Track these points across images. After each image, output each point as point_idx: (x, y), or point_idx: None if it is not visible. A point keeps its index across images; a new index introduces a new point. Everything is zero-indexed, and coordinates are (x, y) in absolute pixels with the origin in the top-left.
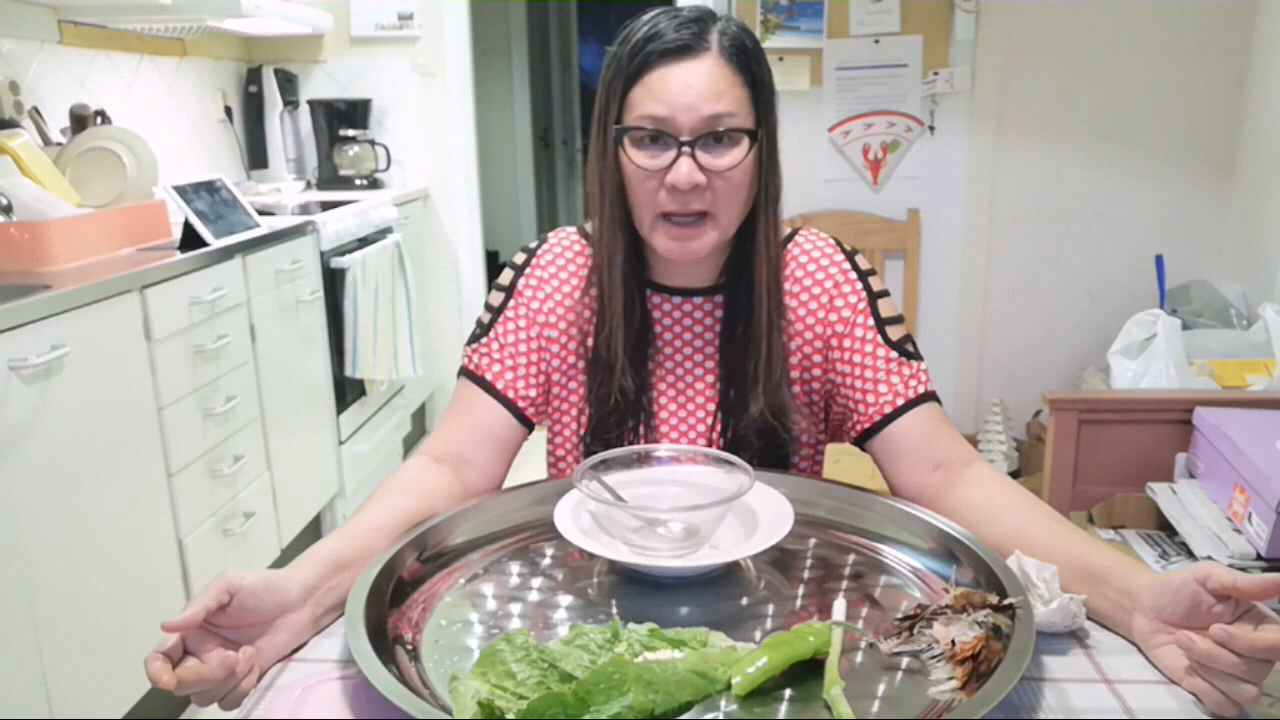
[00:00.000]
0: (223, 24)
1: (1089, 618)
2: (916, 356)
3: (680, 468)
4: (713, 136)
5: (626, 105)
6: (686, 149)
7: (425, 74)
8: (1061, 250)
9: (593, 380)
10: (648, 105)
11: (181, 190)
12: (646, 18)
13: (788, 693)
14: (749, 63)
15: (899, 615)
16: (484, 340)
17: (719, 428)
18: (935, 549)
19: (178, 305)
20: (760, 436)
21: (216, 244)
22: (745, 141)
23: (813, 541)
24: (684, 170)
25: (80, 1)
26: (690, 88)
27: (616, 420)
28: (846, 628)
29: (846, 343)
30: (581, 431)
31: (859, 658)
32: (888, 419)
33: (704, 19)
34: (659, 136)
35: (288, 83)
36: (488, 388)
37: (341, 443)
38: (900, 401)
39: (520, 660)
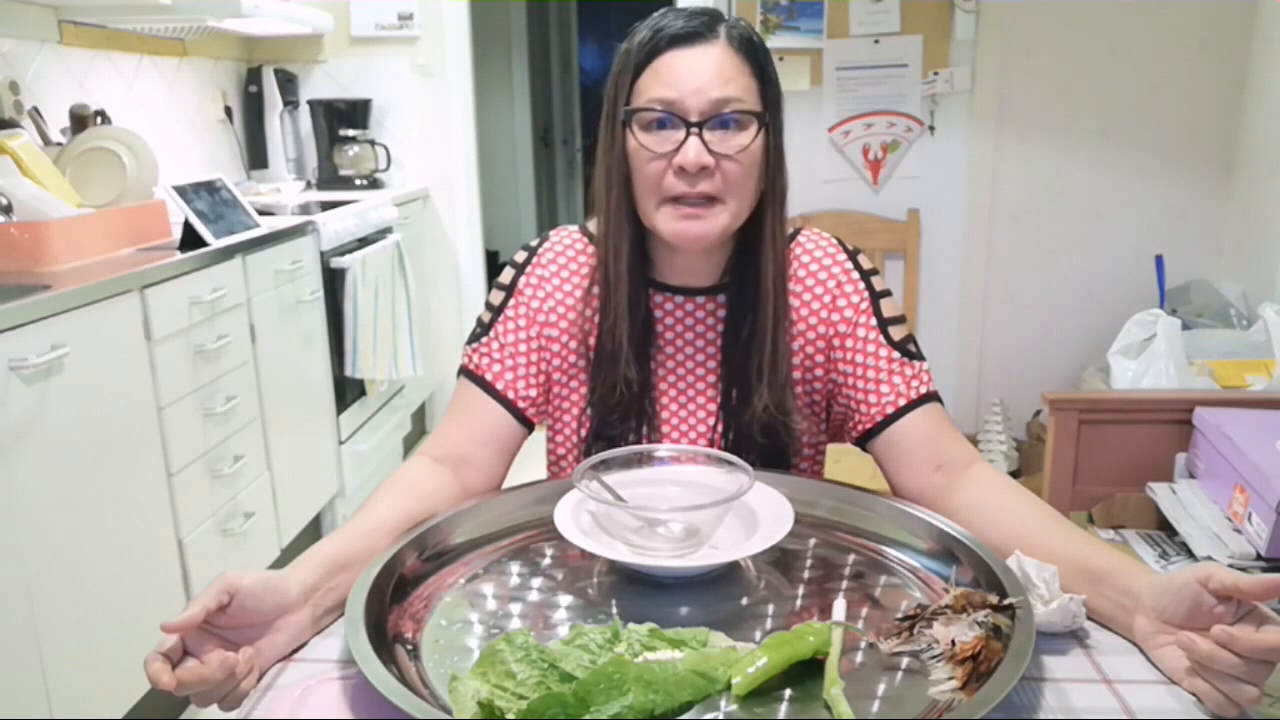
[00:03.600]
0: (223, 24)
1: (1089, 618)
2: (919, 357)
3: (680, 468)
4: (720, 120)
5: (635, 91)
6: (695, 130)
7: (425, 74)
8: (1061, 250)
9: (596, 376)
10: (656, 89)
11: (181, 190)
12: (655, 14)
13: (788, 693)
14: (756, 55)
15: (899, 615)
16: (484, 340)
17: (720, 428)
18: (935, 549)
19: (178, 305)
20: (763, 434)
21: (216, 244)
22: (753, 125)
23: (813, 541)
24: (692, 152)
25: (80, 1)
26: (699, 72)
27: (619, 418)
28: (846, 628)
29: (849, 343)
30: (583, 431)
31: (859, 658)
32: (889, 419)
33: (712, 15)
34: (667, 120)
35: (288, 83)
36: (487, 388)
37: (341, 443)
38: (902, 402)
39: (520, 660)
